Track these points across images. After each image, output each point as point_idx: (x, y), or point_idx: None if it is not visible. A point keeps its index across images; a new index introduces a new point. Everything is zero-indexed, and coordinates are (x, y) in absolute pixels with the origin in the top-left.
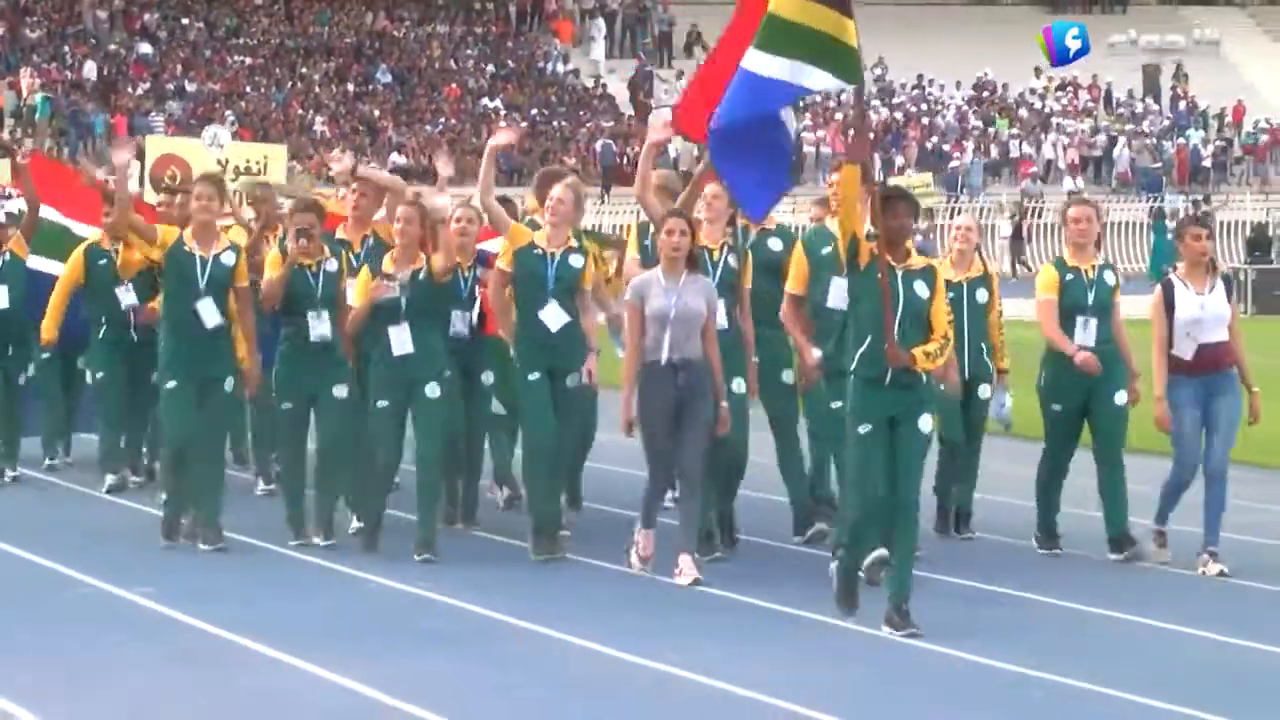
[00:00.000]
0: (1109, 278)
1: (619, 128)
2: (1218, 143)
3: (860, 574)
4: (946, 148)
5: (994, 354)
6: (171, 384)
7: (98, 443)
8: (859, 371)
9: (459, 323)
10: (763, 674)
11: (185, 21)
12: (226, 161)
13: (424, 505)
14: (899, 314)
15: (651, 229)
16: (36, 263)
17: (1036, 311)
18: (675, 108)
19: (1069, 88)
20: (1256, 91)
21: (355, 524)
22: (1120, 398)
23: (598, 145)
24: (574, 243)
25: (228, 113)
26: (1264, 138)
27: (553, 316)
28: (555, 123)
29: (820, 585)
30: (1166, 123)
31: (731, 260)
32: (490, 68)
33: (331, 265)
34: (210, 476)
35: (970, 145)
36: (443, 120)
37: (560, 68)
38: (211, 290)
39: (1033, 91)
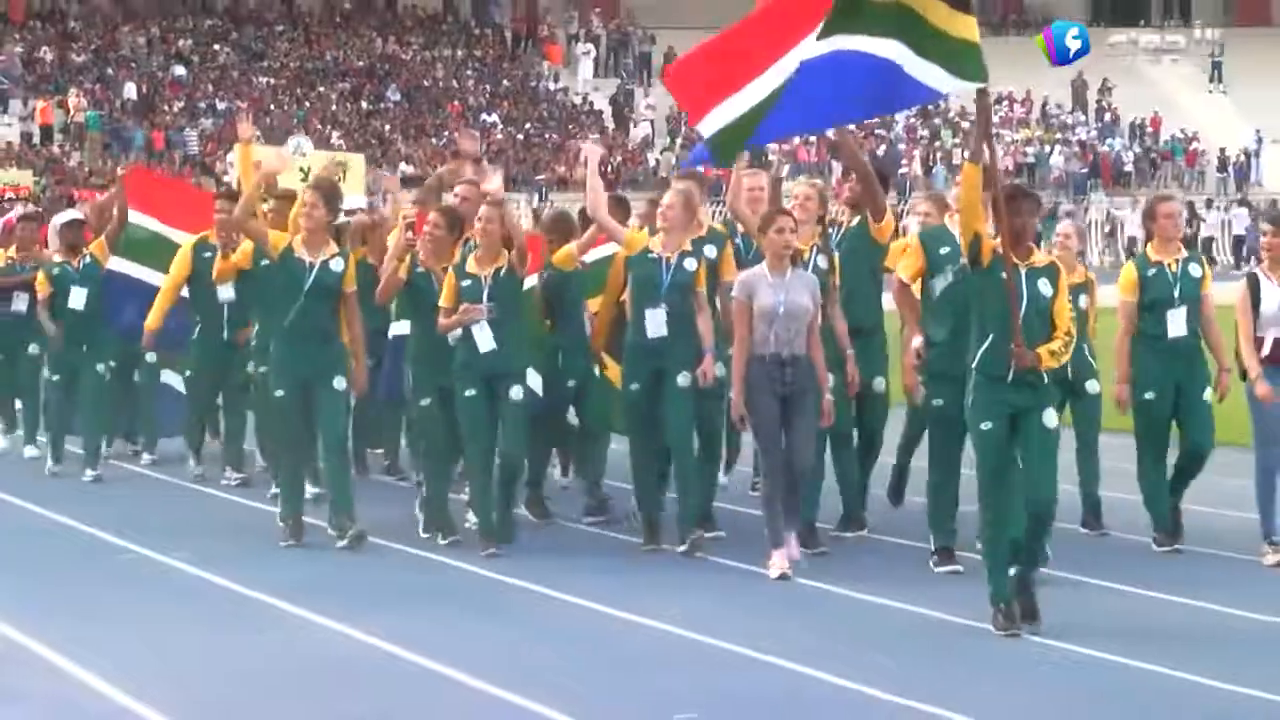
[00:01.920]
0: (1194, 270)
1: (603, 140)
2: (1137, 150)
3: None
4: (902, 158)
5: (1092, 355)
6: (280, 393)
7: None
8: (982, 369)
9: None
10: (751, 630)
11: (215, 47)
12: (310, 169)
13: (501, 498)
14: (1023, 312)
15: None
16: (118, 264)
17: (1118, 313)
18: (674, 72)
19: (1005, 101)
20: (1173, 104)
21: (470, 519)
22: (1207, 394)
23: (582, 156)
24: (688, 245)
25: (256, 130)
26: (1194, 145)
27: (655, 322)
28: (547, 135)
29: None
30: (1094, 132)
31: (821, 261)
32: (488, 87)
33: (337, 264)
34: (338, 472)
35: (918, 154)
36: (446, 134)
37: (551, 86)
38: (318, 296)
39: (974, 104)
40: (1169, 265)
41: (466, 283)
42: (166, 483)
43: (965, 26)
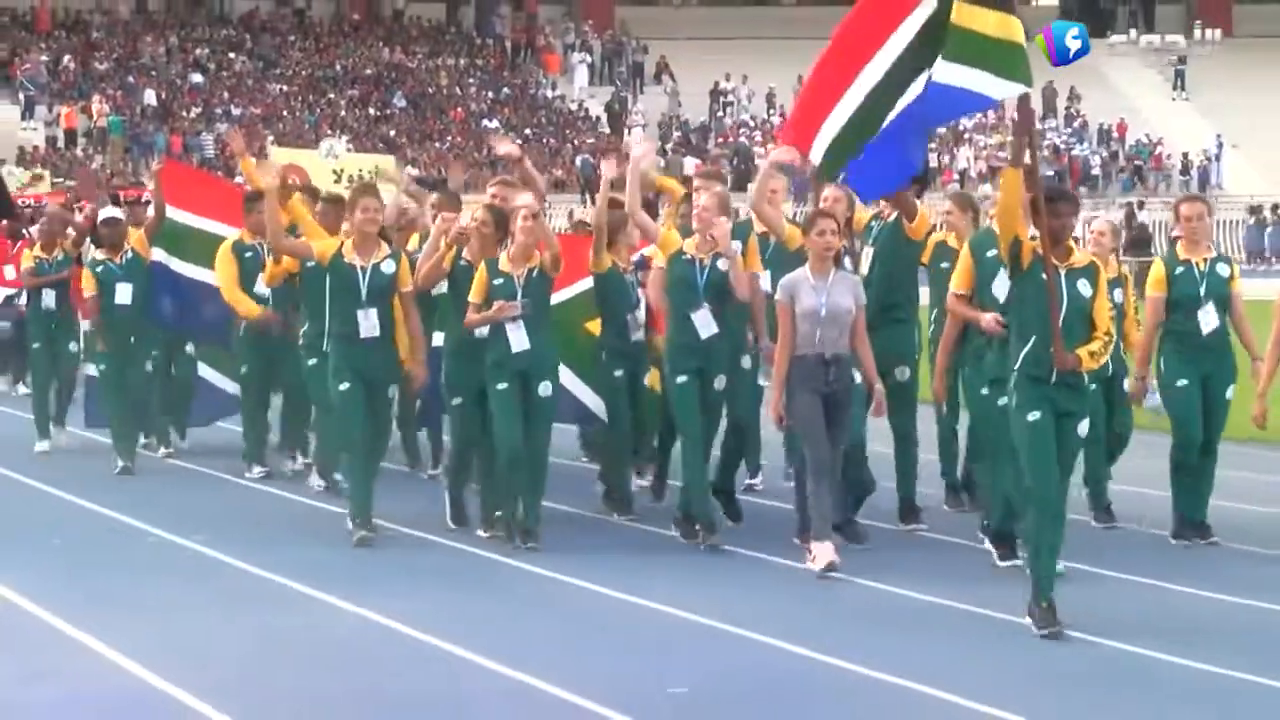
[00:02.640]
0: (1222, 269)
1: (598, 144)
2: (1104, 154)
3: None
4: None
5: (1127, 348)
6: (344, 386)
7: (242, 435)
8: (1024, 369)
9: (631, 325)
10: (748, 613)
11: (231, 55)
12: (342, 171)
13: (530, 493)
14: (1063, 313)
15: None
16: (159, 254)
17: (1144, 308)
18: (786, 122)
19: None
20: (1137, 111)
21: (497, 513)
22: (1230, 392)
23: (578, 160)
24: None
25: (267, 133)
26: (1158, 149)
27: (703, 322)
28: (545, 140)
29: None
30: (1064, 137)
31: (848, 263)
32: (489, 94)
33: (389, 265)
34: (370, 472)
35: None
36: (449, 138)
37: (549, 93)
38: (374, 299)
39: None
40: (1197, 263)
41: (499, 281)
42: (194, 471)
43: (1012, 28)
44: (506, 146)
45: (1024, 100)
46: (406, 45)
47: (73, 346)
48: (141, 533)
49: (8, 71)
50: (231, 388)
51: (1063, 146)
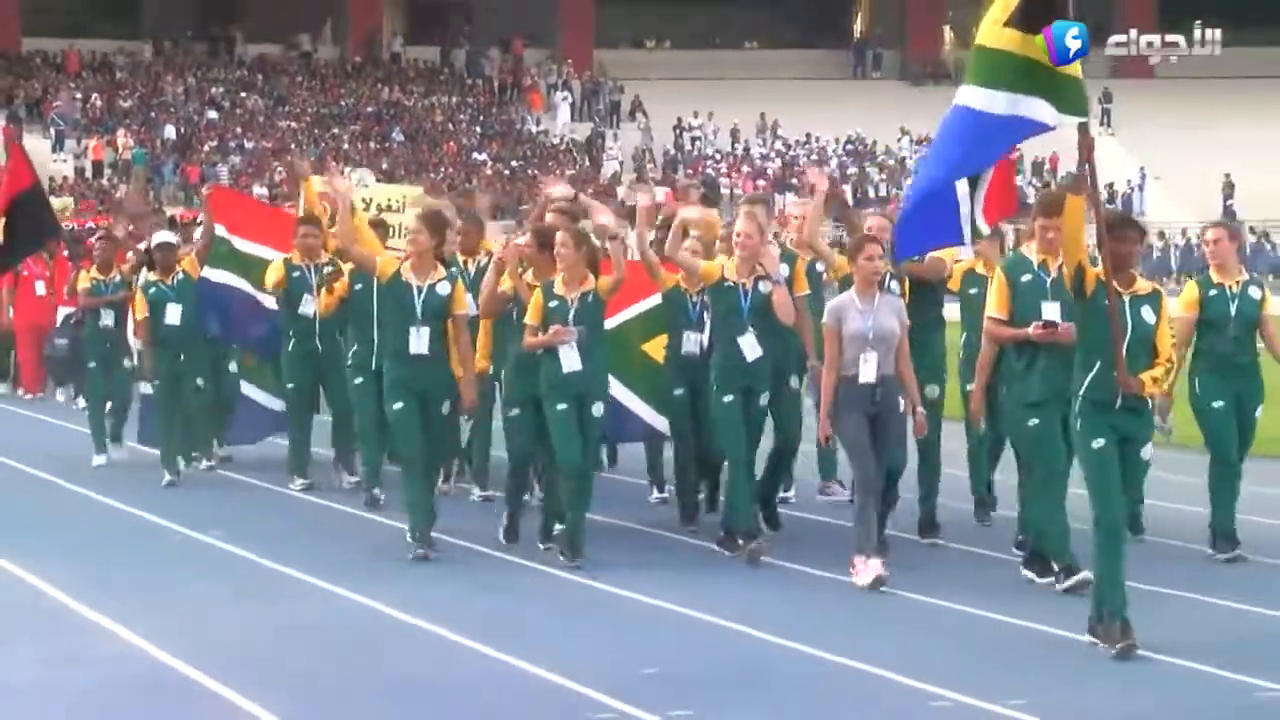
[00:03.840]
0: (1254, 292)
1: (577, 175)
2: (1037, 184)
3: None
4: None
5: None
6: (398, 405)
7: (289, 447)
8: (1088, 395)
9: (690, 343)
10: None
11: (243, 94)
12: (370, 200)
13: (575, 508)
14: (1126, 339)
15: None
16: (207, 272)
17: (1175, 328)
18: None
19: (923, 143)
20: (1069, 147)
21: (558, 527)
22: (1259, 412)
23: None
24: (760, 269)
25: (278, 165)
26: None
27: (750, 346)
28: (530, 171)
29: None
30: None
31: (894, 286)
32: (479, 129)
33: (444, 287)
34: (428, 489)
35: (849, 188)
36: (443, 169)
37: (533, 129)
38: (427, 318)
39: (897, 144)
40: (1229, 287)
41: (554, 304)
42: (236, 480)
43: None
44: (561, 189)
45: (1083, 130)
46: (404, 85)
47: (126, 364)
48: (168, 531)
49: (40, 109)
50: (275, 405)
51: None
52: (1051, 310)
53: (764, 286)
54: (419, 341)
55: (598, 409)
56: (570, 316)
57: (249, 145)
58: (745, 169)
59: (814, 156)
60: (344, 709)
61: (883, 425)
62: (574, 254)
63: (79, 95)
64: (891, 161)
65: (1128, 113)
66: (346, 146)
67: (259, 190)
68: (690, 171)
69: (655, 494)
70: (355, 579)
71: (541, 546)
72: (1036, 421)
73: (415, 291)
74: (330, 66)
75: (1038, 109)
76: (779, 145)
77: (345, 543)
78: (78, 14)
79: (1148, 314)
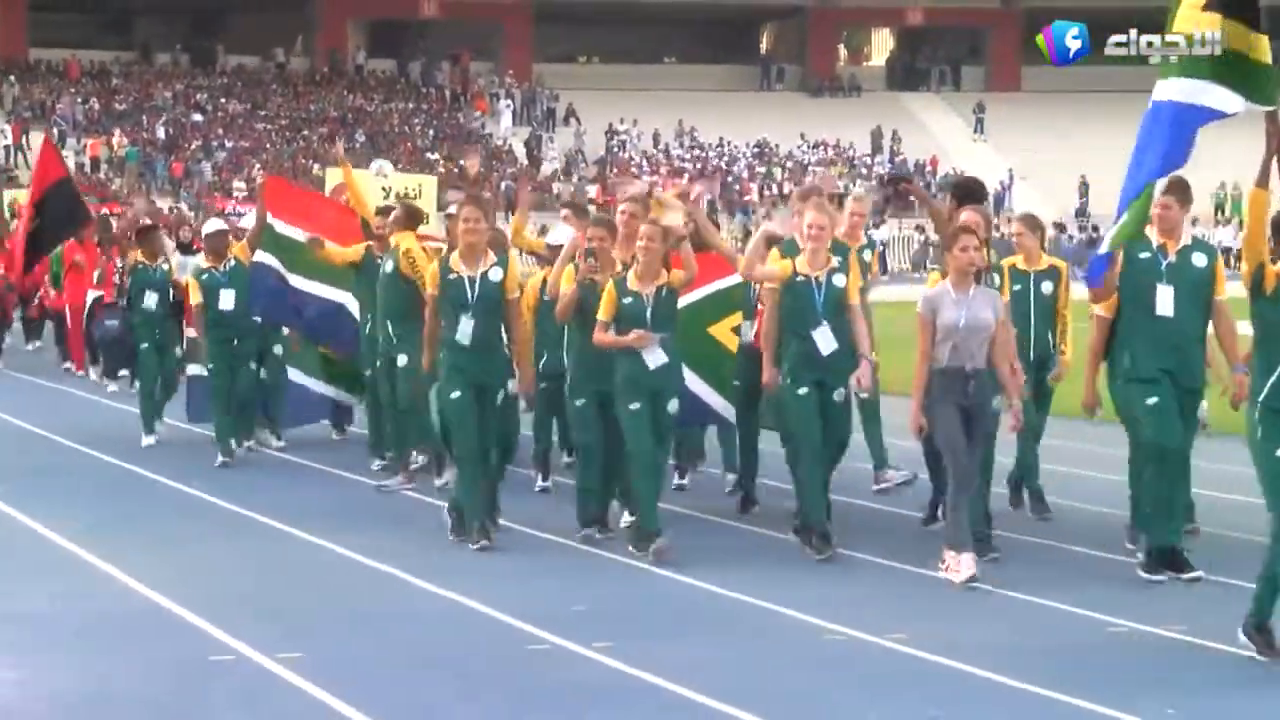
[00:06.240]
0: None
1: (516, 172)
2: (919, 183)
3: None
4: (738, 187)
5: (1060, 340)
6: (455, 395)
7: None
8: (1268, 403)
9: (748, 332)
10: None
11: (224, 100)
12: (390, 189)
13: (646, 499)
14: None
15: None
16: (259, 255)
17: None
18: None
19: (820, 146)
20: (946, 150)
21: (627, 517)
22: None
23: (502, 185)
24: (834, 261)
25: (255, 163)
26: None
27: (825, 340)
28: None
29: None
30: (888, 169)
31: (995, 278)
32: (432, 132)
33: (496, 273)
34: (483, 478)
35: (756, 186)
36: (400, 167)
37: (481, 131)
38: (481, 307)
39: (798, 148)
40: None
41: (628, 300)
42: (289, 461)
43: (1261, 48)
44: (637, 186)
45: (1270, 117)
46: (366, 93)
47: (176, 350)
48: (211, 506)
49: (45, 111)
50: (320, 389)
51: (886, 177)
52: (1165, 294)
53: (838, 279)
54: (473, 331)
55: (673, 405)
56: (647, 313)
57: (229, 145)
58: (665, 170)
59: (725, 158)
60: (306, 639)
61: (974, 418)
62: (658, 248)
63: (79, 99)
64: (791, 163)
65: (998, 121)
66: (315, 147)
67: (238, 184)
68: (616, 171)
69: (676, 479)
70: (380, 550)
71: (599, 535)
72: (1155, 400)
73: (467, 282)
74: (301, 76)
75: (1224, 99)
76: (695, 149)
77: (369, 513)
78: (79, 28)
79: None
